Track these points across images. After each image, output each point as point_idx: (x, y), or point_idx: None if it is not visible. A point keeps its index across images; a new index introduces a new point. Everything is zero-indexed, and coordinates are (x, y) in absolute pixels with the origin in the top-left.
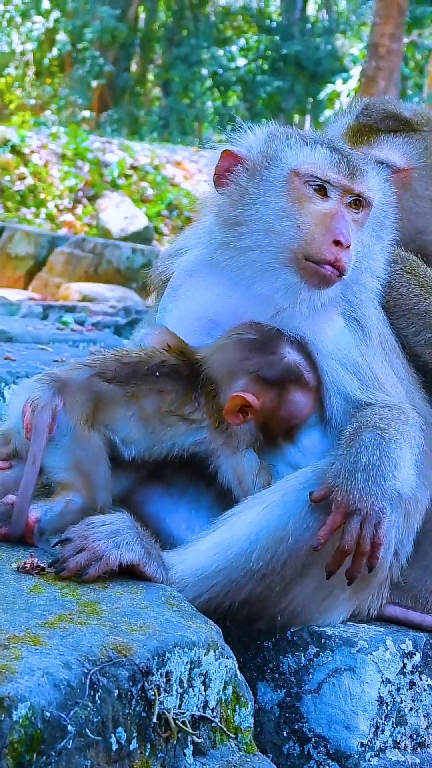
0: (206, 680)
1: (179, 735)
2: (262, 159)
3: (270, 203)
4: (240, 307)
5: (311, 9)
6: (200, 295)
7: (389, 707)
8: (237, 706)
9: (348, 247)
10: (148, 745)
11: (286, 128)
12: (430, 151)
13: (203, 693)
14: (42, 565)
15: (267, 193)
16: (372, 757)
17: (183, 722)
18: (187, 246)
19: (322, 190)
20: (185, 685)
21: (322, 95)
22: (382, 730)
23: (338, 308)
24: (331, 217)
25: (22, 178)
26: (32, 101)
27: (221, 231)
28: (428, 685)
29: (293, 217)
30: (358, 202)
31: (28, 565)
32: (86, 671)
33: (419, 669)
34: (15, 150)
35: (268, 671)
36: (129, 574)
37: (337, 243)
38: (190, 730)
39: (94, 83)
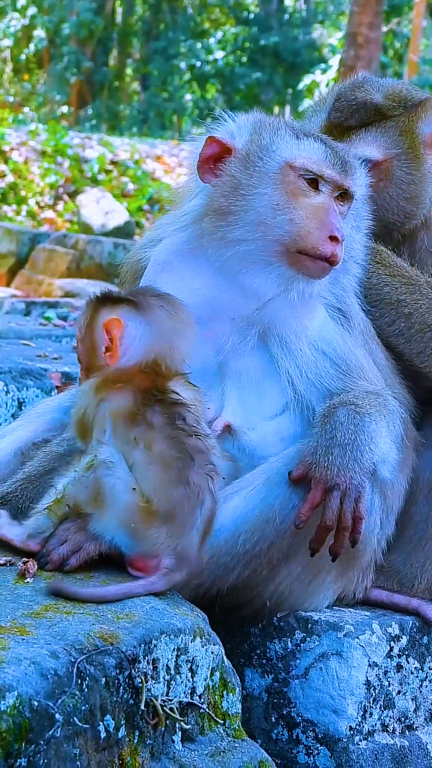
0: (193, 667)
1: (167, 722)
2: (256, 149)
3: (264, 195)
4: (223, 300)
5: (288, 0)
6: (178, 287)
7: (377, 691)
8: (225, 692)
9: (342, 241)
10: (137, 733)
11: (274, 118)
12: (404, 135)
13: (190, 680)
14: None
15: (260, 185)
16: (361, 740)
17: (171, 709)
18: (162, 235)
19: (314, 183)
20: (172, 672)
21: (301, 86)
22: (370, 714)
23: (322, 298)
24: (325, 212)
25: (2, 175)
26: (10, 98)
27: (210, 220)
28: (415, 668)
29: (287, 210)
30: (343, 195)
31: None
32: (73, 660)
33: (406, 652)
34: None
35: (256, 657)
36: (114, 564)
37: (333, 238)
38: (178, 716)
39: (73, 79)
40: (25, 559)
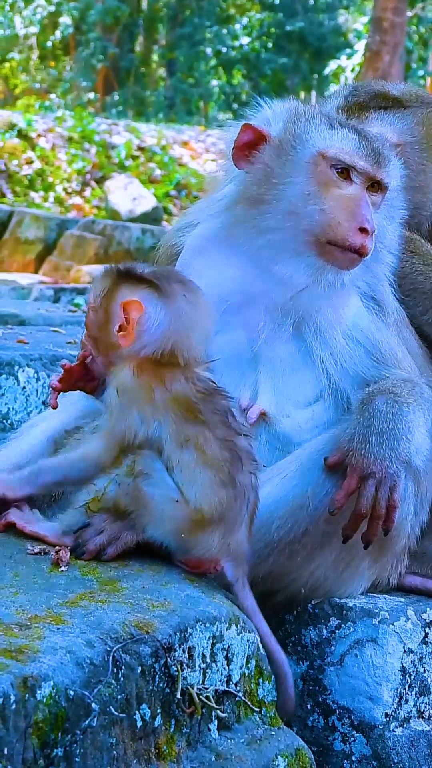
0: (229, 655)
1: (203, 710)
2: (290, 138)
3: (295, 184)
4: (256, 288)
5: None
6: (212, 274)
7: (412, 677)
8: (260, 680)
9: (372, 233)
10: (173, 721)
11: (309, 106)
12: (421, 125)
13: (226, 668)
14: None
15: (292, 174)
16: (396, 727)
17: (207, 697)
18: (197, 220)
19: (346, 173)
20: (208, 660)
21: (327, 71)
22: (406, 700)
23: (356, 287)
24: (356, 203)
25: (29, 162)
26: (37, 85)
27: (242, 208)
28: None
29: (318, 200)
30: (377, 186)
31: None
32: (109, 649)
33: None
34: (22, 134)
35: (291, 644)
36: (149, 551)
37: (363, 230)
38: (214, 705)
39: (99, 65)
40: (57, 547)
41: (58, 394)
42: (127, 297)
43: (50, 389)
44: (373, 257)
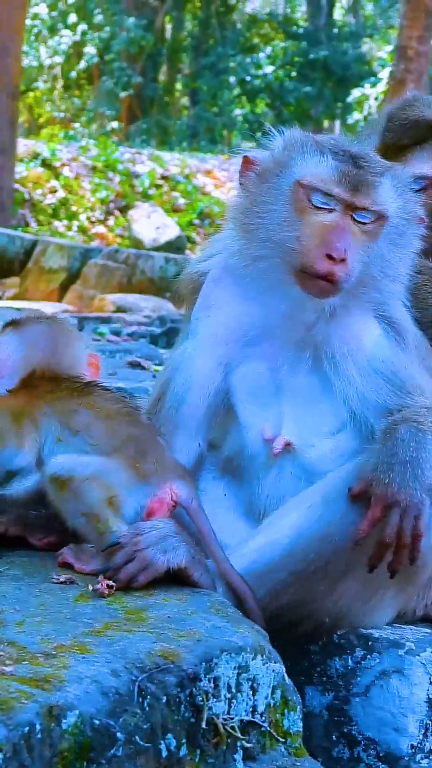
0: (254, 685)
1: (228, 740)
2: (274, 166)
3: (275, 212)
4: (270, 321)
5: (338, 14)
6: (231, 306)
7: None
8: (286, 711)
9: (343, 260)
10: (198, 751)
11: (305, 134)
12: None
13: (252, 698)
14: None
15: (273, 202)
16: (422, 758)
17: (232, 727)
18: (218, 249)
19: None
20: (233, 690)
21: (351, 99)
22: None
23: (371, 314)
24: (328, 230)
25: (53, 191)
26: (61, 114)
27: (236, 238)
28: None
29: (294, 228)
30: (366, 213)
31: (103, 589)
32: (134, 678)
33: None
34: (46, 163)
35: (316, 675)
36: (175, 578)
37: (330, 257)
38: (239, 735)
39: (123, 94)
40: (108, 583)
41: None
42: None
43: None
44: (377, 286)
